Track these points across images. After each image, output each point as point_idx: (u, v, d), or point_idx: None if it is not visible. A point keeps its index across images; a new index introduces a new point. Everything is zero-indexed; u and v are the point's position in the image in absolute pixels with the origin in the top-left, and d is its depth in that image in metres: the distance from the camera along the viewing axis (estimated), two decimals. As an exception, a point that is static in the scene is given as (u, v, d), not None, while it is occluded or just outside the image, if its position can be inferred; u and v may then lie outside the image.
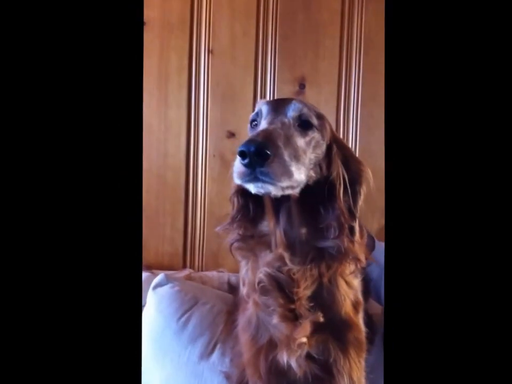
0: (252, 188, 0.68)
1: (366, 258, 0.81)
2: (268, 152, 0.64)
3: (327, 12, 1.44)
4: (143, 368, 1.08)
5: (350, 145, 1.43)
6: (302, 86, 1.44)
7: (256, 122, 0.78)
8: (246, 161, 0.64)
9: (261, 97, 1.44)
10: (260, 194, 0.70)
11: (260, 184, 0.66)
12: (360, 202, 0.79)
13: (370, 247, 0.97)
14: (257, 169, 0.64)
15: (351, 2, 1.45)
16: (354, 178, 0.79)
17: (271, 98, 0.80)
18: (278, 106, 0.76)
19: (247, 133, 0.88)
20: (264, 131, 0.69)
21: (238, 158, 0.66)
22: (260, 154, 0.64)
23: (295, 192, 0.72)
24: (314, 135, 0.76)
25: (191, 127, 1.44)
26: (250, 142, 0.65)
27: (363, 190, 0.79)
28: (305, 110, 0.76)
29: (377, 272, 0.96)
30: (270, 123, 0.72)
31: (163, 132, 1.43)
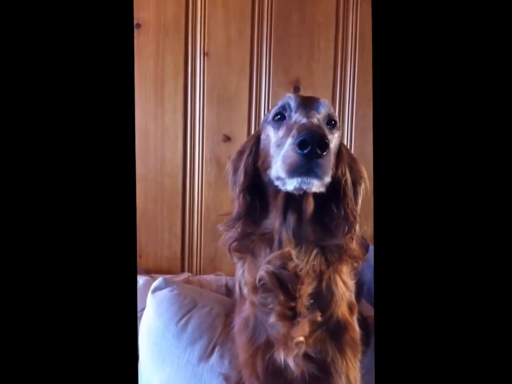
0: (296, 183, 0.68)
1: (362, 258, 0.83)
2: (327, 142, 0.64)
3: (321, 14, 1.44)
4: (143, 371, 1.09)
5: (345, 147, 1.44)
6: (296, 89, 1.44)
7: (280, 115, 0.77)
8: (307, 151, 0.64)
9: (256, 101, 1.44)
10: (297, 191, 0.71)
11: (308, 180, 0.67)
12: (360, 202, 0.81)
13: (364, 250, 0.98)
14: (314, 161, 0.65)
15: (346, 4, 1.45)
16: (356, 179, 0.81)
17: (297, 94, 0.80)
18: (306, 102, 0.77)
19: (243, 137, 0.89)
20: (312, 122, 0.70)
21: (292, 148, 0.65)
22: (321, 145, 0.64)
23: (323, 190, 0.73)
24: (336, 134, 0.78)
25: (187, 132, 1.44)
26: (310, 132, 0.65)
27: (363, 191, 0.82)
28: (332, 110, 0.78)
29: (371, 275, 0.97)
30: (308, 117, 0.72)
31: (160, 137, 1.44)
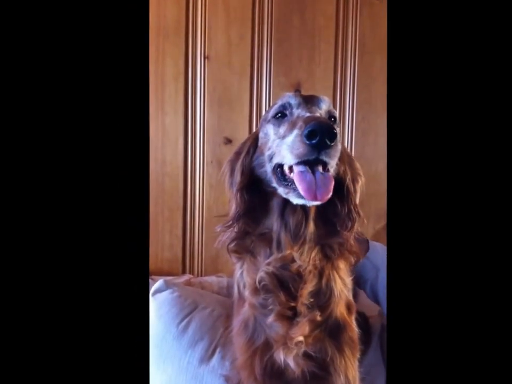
0: (300, 202, 0.69)
1: (360, 254, 0.83)
2: (336, 132, 0.64)
3: (322, 17, 1.45)
4: (144, 373, 1.09)
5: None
6: (297, 91, 1.45)
7: (281, 114, 0.77)
8: (316, 141, 0.63)
9: (257, 103, 1.45)
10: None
11: (311, 202, 0.68)
12: (358, 198, 0.82)
13: (365, 249, 0.98)
14: (323, 151, 0.65)
15: (346, 7, 1.46)
16: (354, 177, 0.82)
17: (296, 93, 0.80)
18: (307, 99, 0.77)
19: (244, 139, 0.89)
20: (316, 115, 0.70)
21: (300, 140, 0.65)
22: (330, 135, 0.64)
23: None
24: (337, 131, 0.77)
25: (188, 134, 1.45)
26: (319, 123, 0.64)
27: (360, 188, 0.82)
28: (332, 106, 0.78)
29: (373, 273, 0.97)
30: (311, 112, 0.72)
31: (160, 139, 1.44)
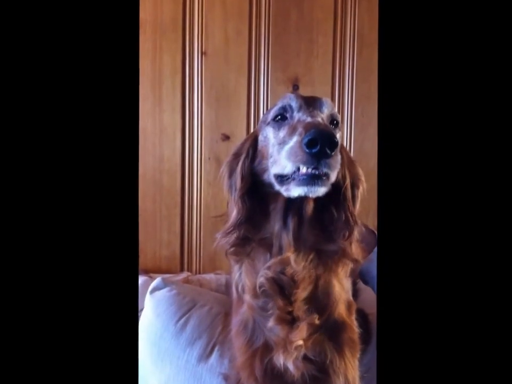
0: (302, 191, 0.66)
1: (361, 262, 0.82)
2: (337, 141, 0.62)
3: (320, 10, 1.44)
4: (142, 371, 1.09)
5: (344, 144, 1.45)
6: (295, 86, 1.44)
7: (281, 116, 0.75)
8: (316, 150, 0.61)
9: (254, 99, 1.44)
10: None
11: (315, 188, 0.65)
12: (358, 205, 0.80)
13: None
14: (322, 161, 0.62)
15: (344, 0, 1.44)
16: (355, 182, 0.79)
17: (297, 93, 0.77)
18: (309, 101, 0.74)
19: (242, 135, 0.88)
20: (319, 121, 0.68)
21: (299, 147, 0.63)
22: (331, 144, 0.61)
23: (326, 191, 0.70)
24: (338, 134, 0.75)
25: (185, 131, 1.44)
26: (319, 130, 0.62)
27: (360, 194, 0.80)
28: (334, 109, 0.76)
29: None
30: (312, 116, 0.69)
31: (158, 136, 1.43)
